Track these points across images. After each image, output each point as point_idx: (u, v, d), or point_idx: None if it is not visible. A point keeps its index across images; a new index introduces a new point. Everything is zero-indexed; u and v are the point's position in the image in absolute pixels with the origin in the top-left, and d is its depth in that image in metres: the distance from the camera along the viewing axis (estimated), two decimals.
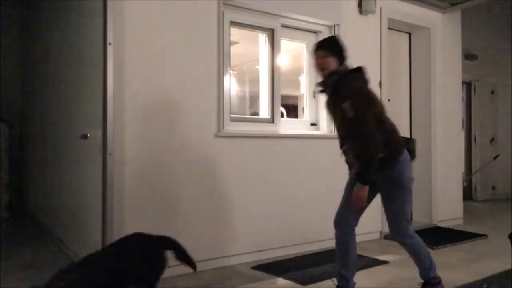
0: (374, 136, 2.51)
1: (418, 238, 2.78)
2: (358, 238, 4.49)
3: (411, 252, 2.81)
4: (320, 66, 2.71)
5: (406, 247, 2.80)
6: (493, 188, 7.73)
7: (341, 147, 2.78)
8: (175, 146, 3.37)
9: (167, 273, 3.26)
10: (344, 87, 2.60)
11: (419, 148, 5.07)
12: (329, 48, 2.70)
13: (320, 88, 2.79)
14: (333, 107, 2.72)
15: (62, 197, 4.19)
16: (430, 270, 2.82)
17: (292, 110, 4.85)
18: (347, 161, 2.84)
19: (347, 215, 2.74)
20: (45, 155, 4.87)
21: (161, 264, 2.51)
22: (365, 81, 2.70)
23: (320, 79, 2.76)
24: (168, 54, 3.35)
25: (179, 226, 3.35)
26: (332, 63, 2.66)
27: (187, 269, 3.27)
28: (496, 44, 7.63)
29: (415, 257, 2.82)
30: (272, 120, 4.07)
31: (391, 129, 2.69)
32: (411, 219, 5.36)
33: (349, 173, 2.88)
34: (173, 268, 3.31)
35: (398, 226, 2.73)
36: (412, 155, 2.77)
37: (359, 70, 2.70)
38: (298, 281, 3.21)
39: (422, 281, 2.98)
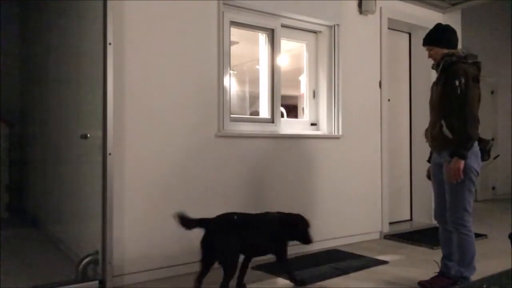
0: (476, 115, 2.78)
1: (472, 234, 2.91)
2: (358, 238, 4.56)
3: (457, 242, 2.91)
4: (430, 56, 3.08)
5: (455, 236, 2.92)
6: (493, 188, 7.73)
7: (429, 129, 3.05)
8: (175, 146, 3.37)
9: (167, 273, 3.29)
10: (456, 68, 2.83)
11: (419, 149, 5.13)
12: (432, 43, 3.04)
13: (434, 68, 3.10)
14: (436, 85, 3.00)
15: (62, 197, 4.19)
16: (466, 269, 2.88)
17: (292, 110, 4.84)
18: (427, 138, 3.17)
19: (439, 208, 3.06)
20: (45, 155, 4.87)
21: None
22: (471, 66, 2.90)
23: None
24: (168, 54, 3.35)
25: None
26: (439, 52, 2.99)
27: (188, 269, 3.29)
28: (496, 44, 7.63)
29: (459, 250, 2.91)
30: (272, 120, 4.07)
31: (477, 119, 2.85)
32: (411, 219, 5.37)
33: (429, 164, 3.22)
34: (174, 268, 3.32)
35: (455, 213, 2.90)
36: (487, 155, 2.93)
37: (466, 57, 2.93)
38: (298, 281, 3.21)
39: (421, 279, 3.00)
